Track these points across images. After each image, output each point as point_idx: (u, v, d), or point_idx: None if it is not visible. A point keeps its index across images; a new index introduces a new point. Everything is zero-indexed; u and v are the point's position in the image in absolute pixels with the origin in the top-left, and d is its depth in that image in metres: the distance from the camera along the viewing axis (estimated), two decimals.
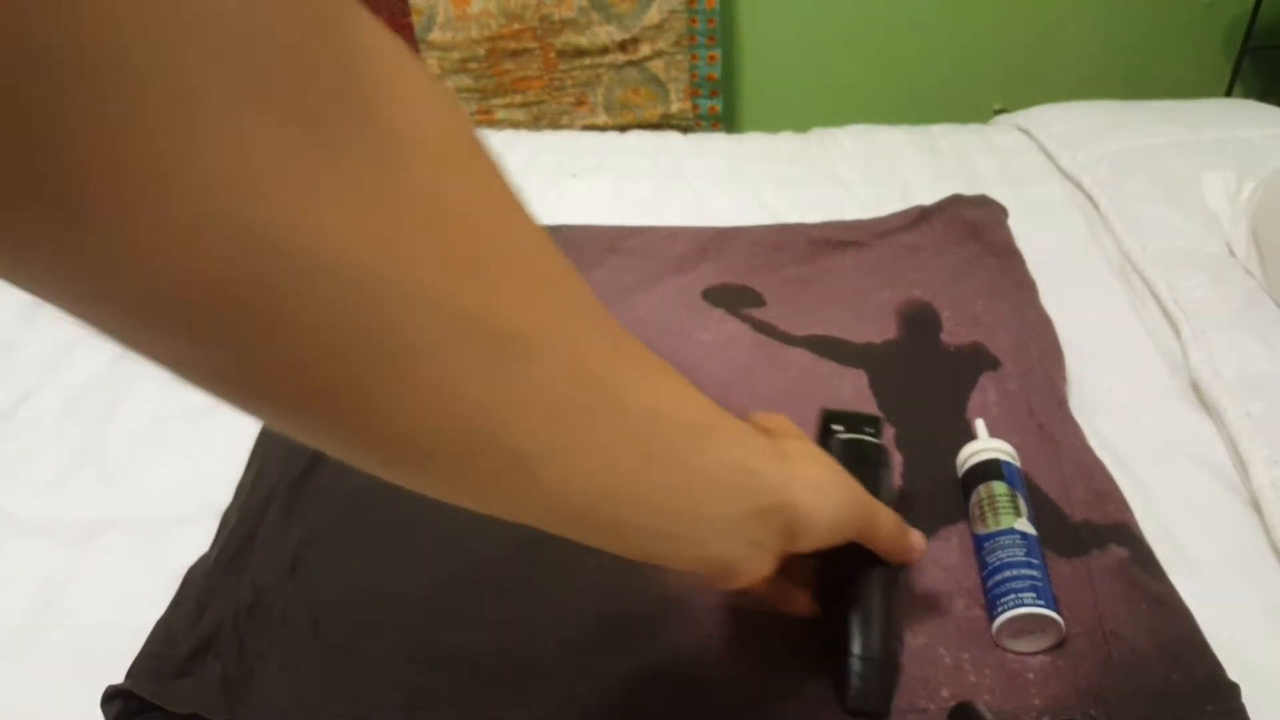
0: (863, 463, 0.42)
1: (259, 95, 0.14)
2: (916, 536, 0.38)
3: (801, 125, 0.98)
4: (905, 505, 0.47)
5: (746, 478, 0.28)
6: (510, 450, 0.21)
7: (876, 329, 0.63)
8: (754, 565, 0.30)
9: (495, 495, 0.23)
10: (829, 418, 0.46)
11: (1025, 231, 0.71)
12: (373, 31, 0.17)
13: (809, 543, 0.31)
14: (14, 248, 0.14)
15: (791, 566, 0.35)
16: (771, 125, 1.01)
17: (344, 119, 0.16)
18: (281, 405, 0.18)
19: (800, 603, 0.39)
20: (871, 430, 0.44)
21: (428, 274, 0.18)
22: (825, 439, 0.44)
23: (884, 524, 0.36)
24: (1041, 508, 0.48)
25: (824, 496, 0.31)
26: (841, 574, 0.40)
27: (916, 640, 0.42)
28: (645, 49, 1.40)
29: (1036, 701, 0.39)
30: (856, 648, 0.39)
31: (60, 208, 0.13)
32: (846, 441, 0.44)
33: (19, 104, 0.12)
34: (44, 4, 0.12)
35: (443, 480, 0.22)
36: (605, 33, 1.37)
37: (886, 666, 0.40)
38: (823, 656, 0.41)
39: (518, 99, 1.44)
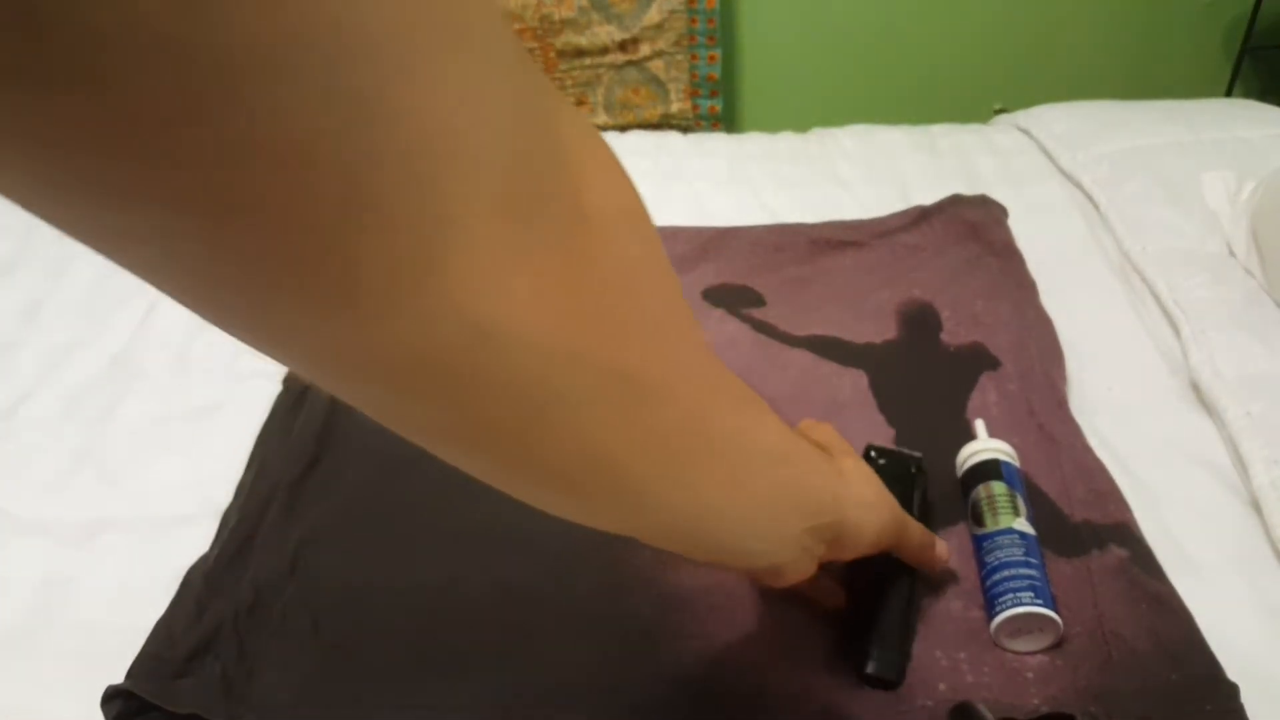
0: (901, 481, 0.47)
1: (499, 203, 0.16)
2: (942, 546, 0.43)
3: (801, 125, 0.98)
4: (927, 515, 0.48)
5: (811, 500, 0.31)
6: (627, 481, 0.23)
7: (877, 329, 0.63)
8: (802, 568, 0.34)
9: (607, 515, 0.26)
10: (873, 453, 0.50)
11: (1025, 231, 0.71)
12: (572, 120, 0.19)
13: (851, 552, 0.36)
14: (290, 328, 0.17)
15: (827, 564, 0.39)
16: (771, 125, 1.01)
17: (558, 213, 0.18)
18: (463, 446, 0.21)
19: (835, 596, 0.43)
20: (914, 466, 0.48)
21: (591, 339, 0.20)
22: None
23: (914, 537, 0.41)
24: (1041, 508, 0.48)
25: (871, 513, 0.35)
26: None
27: (914, 645, 0.42)
28: (645, 49, 1.40)
29: (1035, 701, 0.40)
30: (877, 618, 0.41)
31: (335, 298, 0.16)
32: (890, 455, 0.49)
33: (328, 221, 0.14)
34: (351, 152, 0.14)
35: (573, 504, 0.25)
36: (605, 33, 1.37)
37: (904, 638, 0.42)
38: (842, 630, 0.43)
39: None
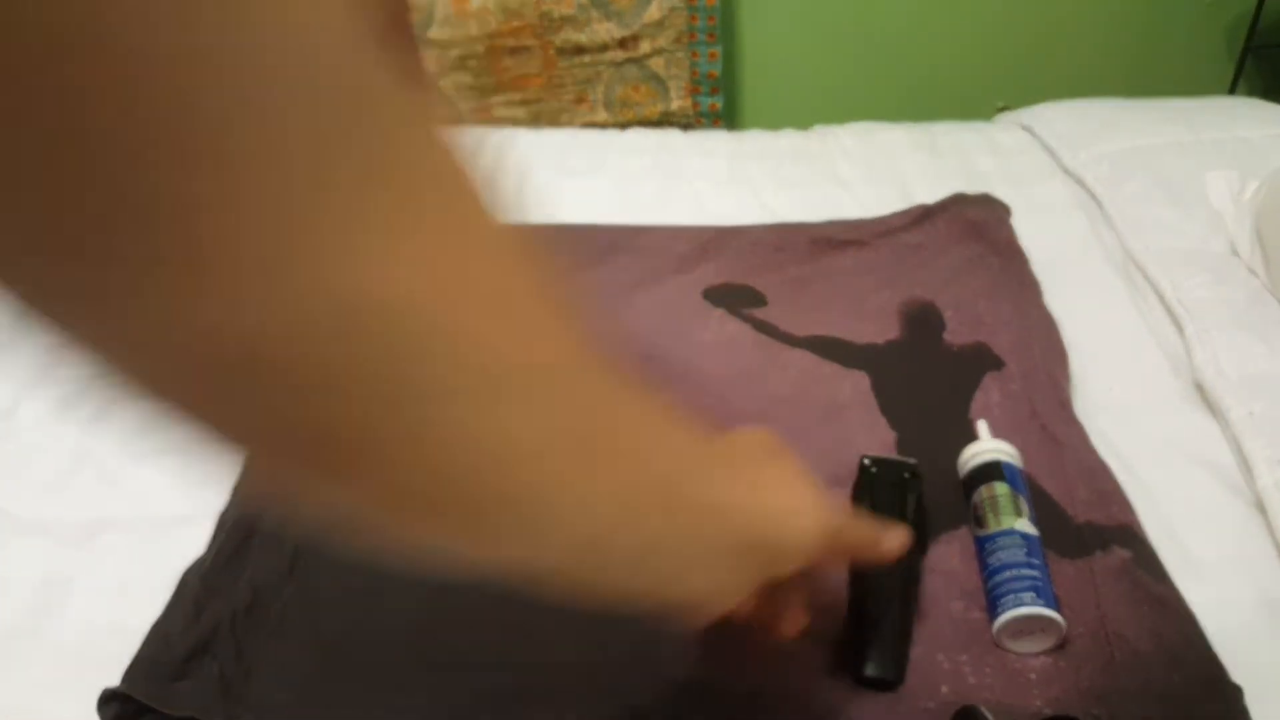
0: (894, 488, 0.46)
1: (366, 168, 0.15)
2: (892, 535, 0.38)
3: (802, 123, 0.97)
4: (921, 522, 0.47)
5: (724, 517, 0.28)
6: (518, 489, 0.21)
7: (878, 329, 0.62)
8: (731, 594, 0.30)
9: (489, 538, 0.23)
10: (866, 460, 0.49)
11: (1027, 230, 0.71)
12: (406, 79, 0.17)
13: (785, 569, 0.32)
14: (99, 304, 0.15)
15: (780, 590, 0.36)
16: (772, 123, 1.01)
17: (431, 185, 0.17)
18: (329, 465, 0.18)
19: (789, 624, 0.38)
20: (908, 472, 0.47)
21: (454, 314, 0.18)
22: (861, 476, 0.48)
23: (853, 537, 0.36)
24: (1045, 509, 0.48)
25: (797, 521, 0.31)
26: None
27: (916, 647, 0.42)
28: (645, 46, 1.39)
29: (1038, 702, 0.39)
30: (874, 618, 0.41)
31: (179, 261, 0.14)
32: (884, 463, 0.48)
33: (149, 186, 0.13)
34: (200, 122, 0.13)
35: (460, 527, 0.22)
36: (605, 30, 1.37)
37: (902, 640, 0.42)
38: (845, 631, 0.42)
39: (517, 97, 1.44)
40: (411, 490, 0.20)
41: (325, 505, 0.20)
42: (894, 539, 0.38)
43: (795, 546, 0.31)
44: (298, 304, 0.15)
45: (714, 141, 0.92)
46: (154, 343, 0.15)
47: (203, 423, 0.17)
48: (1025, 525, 0.44)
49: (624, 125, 1.37)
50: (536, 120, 1.47)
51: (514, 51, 1.39)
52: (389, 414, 0.17)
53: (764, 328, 0.63)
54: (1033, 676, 0.41)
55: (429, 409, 0.18)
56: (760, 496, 0.30)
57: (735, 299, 0.66)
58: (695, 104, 1.46)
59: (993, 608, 0.42)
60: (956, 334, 0.61)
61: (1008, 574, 0.42)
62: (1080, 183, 0.81)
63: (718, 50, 1.41)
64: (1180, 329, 0.62)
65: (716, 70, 1.43)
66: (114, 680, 0.40)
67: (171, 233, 0.14)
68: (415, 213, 0.17)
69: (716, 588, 0.29)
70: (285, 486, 0.20)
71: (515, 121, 1.46)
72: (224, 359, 0.15)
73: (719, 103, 1.47)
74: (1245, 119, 0.87)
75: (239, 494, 0.51)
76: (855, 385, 0.58)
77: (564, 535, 0.23)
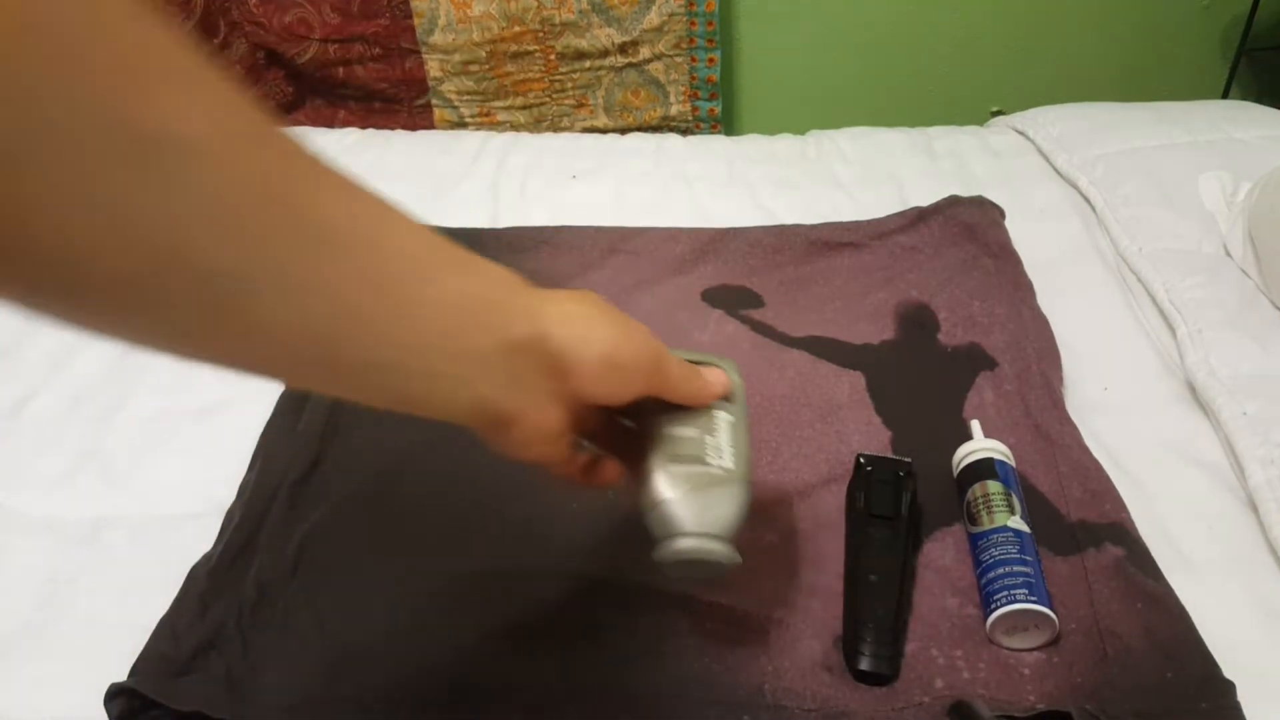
0: (890, 485, 0.47)
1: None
2: (713, 373, 0.36)
3: (800, 127, 0.98)
4: (916, 518, 0.48)
5: (487, 309, 0.27)
6: (201, 272, 0.20)
7: (874, 330, 0.63)
8: (529, 409, 0.29)
9: (209, 333, 0.22)
10: (861, 459, 0.50)
11: (1022, 232, 0.71)
12: None
13: (588, 383, 0.30)
14: None
15: (594, 432, 0.35)
16: (771, 127, 1.01)
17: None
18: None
19: (608, 472, 0.36)
20: (903, 470, 0.48)
21: (77, 69, 0.17)
22: (856, 474, 0.49)
23: (674, 371, 0.34)
24: (1038, 507, 0.48)
25: (588, 329, 0.30)
26: (859, 545, 0.45)
27: (910, 643, 0.42)
28: (645, 51, 1.40)
29: (1032, 698, 0.40)
30: (870, 612, 0.42)
31: None
32: (879, 461, 0.49)
33: None
34: None
35: (143, 316, 0.21)
36: (605, 35, 1.38)
37: (898, 633, 0.42)
38: (844, 626, 0.43)
39: (519, 101, 1.44)
40: (71, 273, 0.19)
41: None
42: (716, 375, 0.36)
43: (590, 356, 0.29)
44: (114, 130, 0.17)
45: (713, 145, 0.93)
46: None
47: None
48: (1018, 523, 0.45)
49: (624, 129, 1.38)
50: (538, 124, 1.47)
51: (515, 56, 1.40)
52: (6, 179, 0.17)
53: (761, 328, 0.64)
54: (1026, 672, 0.41)
55: (49, 176, 0.17)
56: (538, 300, 0.29)
57: (733, 300, 0.67)
58: (694, 109, 1.47)
59: (986, 604, 0.43)
60: (951, 334, 0.62)
61: (1001, 571, 0.43)
62: (1074, 185, 0.82)
63: (717, 56, 1.42)
64: (1173, 330, 0.63)
65: (715, 75, 1.44)
66: (120, 676, 0.41)
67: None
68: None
69: (507, 396, 0.28)
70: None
71: (517, 125, 1.47)
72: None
73: (718, 107, 1.47)
74: (1239, 122, 0.87)
75: (245, 491, 0.52)
76: (851, 385, 0.58)
77: (274, 328, 0.22)
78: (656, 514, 0.35)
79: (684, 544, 0.34)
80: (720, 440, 0.36)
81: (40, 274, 0.19)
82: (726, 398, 0.37)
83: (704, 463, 0.35)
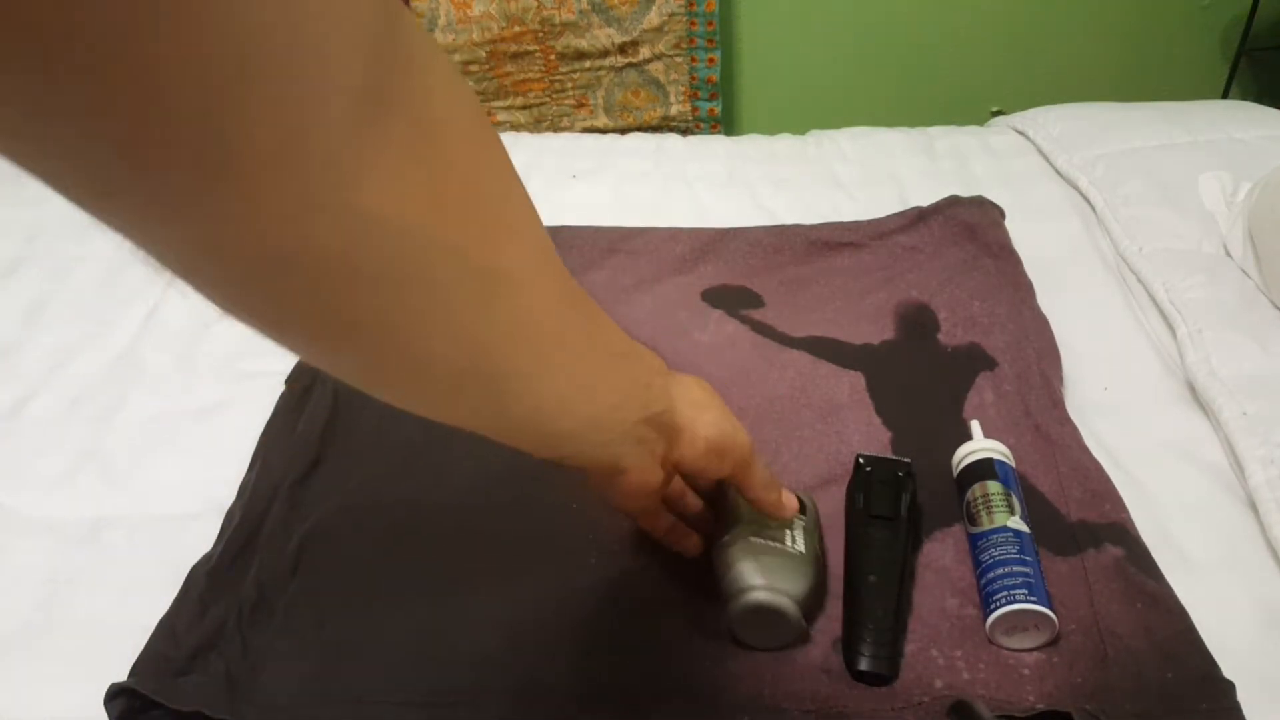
0: (889, 485, 0.47)
1: (359, 92, 0.18)
2: (789, 497, 0.43)
3: (800, 127, 0.98)
4: (916, 519, 0.48)
5: (643, 390, 0.34)
6: (493, 371, 0.26)
7: (874, 330, 0.63)
8: (640, 465, 0.36)
9: (471, 408, 0.28)
10: (861, 459, 0.50)
11: (1022, 232, 0.71)
12: (417, 32, 0.21)
13: (690, 454, 0.37)
14: (170, 209, 0.17)
15: (684, 508, 0.43)
16: (770, 127, 1.02)
17: (412, 111, 0.20)
18: (333, 342, 0.23)
19: (692, 542, 0.44)
20: (902, 470, 0.49)
21: (456, 232, 0.22)
22: (856, 474, 0.50)
23: (758, 470, 0.41)
24: (1038, 507, 0.48)
25: (703, 411, 0.37)
26: (858, 546, 0.45)
27: (910, 643, 0.42)
28: (645, 51, 1.40)
29: (1031, 698, 0.40)
30: (869, 613, 0.42)
31: (211, 170, 0.17)
32: (879, 461, 0.49)
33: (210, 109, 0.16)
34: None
35: (442, 397, 0.27)
36: (605, 35, 1.38)
37: (897, 633, 0.42)
38: (844, 626, 0.43)
39: (519, 101, 1.44)
40: (410, 362, 0.24)
41: (343, 373, 0.24)
42: (791, 500, 0.43)
43: (700, 433, 0.37)
44: (325, 216, 0.19)
45: (713, 145, 0.93)
46: (213, 244, 0.18)
47: (246, 310, 0.21)
48: (1018, 523, 0.45)
49: (624, 130, 1.38)
50: (538, 124, 1.47)
51: (515, 57, 1.40)
52: (393, 302, 0.22)
53: (761, 328, 0.64)
54: (1026, 672, 0.41)
55: (423, 302, 0.22)
56: (675, 382, 0.37)
57: (733, 300, 0.67)
58: (694, 109, 1.47)
59: (986, 604, 0.43)
60: (951, 335, 0.62)
61: (1001, 571, 0.43)
62: (1074, 185, 0.82)
63: (716, 56, 1.42)
64: (1173, 330, 0.63)
65: (715, 75, 1.44)
66: (120, 676, 0.41)
67: (227, 149, 0.16)
68: (425, 147, 0.21)
69: (629, 453, 0.35)
70: (313, 359, 0.24)
71: (517, 126, 1.47)
72: (266, 256, 0.19)
73: (718, 107, 1.47)
74: (1239, 122, 0.87)
75: (245, 492, 0.52)
76: (851, 385, 0.58)
77: (526, 406, 0.28)
78: (734, 573, 0.41)
79: (757, 596, 0.40)
80: (795, 533, 0.43)
81: (388, 367, 0.24)
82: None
83: (780, 543, 0.42)
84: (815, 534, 0.44)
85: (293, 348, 0.23)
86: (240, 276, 0.20)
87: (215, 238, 0.18)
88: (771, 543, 0.42)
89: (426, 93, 0.21)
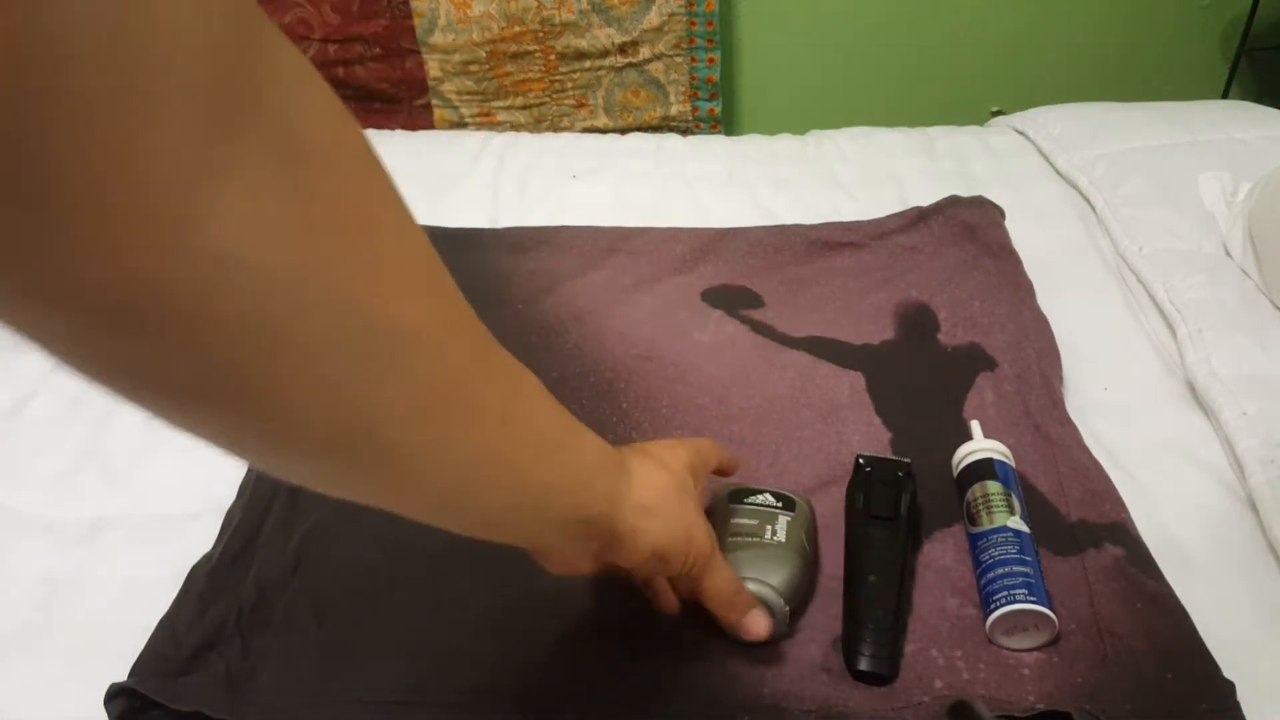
0: (889, 486, 0.47)
1: (202, 105, 0.16)
2: (756, 619, 0.40)
3: (800, 127, 0.98)
4: (916, 519, 0.48)
5: (583, 489, 0.31)
6: (386, 444, 0.22)
7: (874, 330, 0.63)
8: (572, 559, 0.35)
9: (378, 487, 0.25)
10: (861, 460, 0.50)
11: (1022, 232, 0.71)
12: (281, 40, 0.18)
13: (629, 558, 0.34)
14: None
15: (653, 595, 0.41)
16: (770, 127, 1.02)
17: (270, 134, 0.17)
18: (194, 401, 0.20)
19: (669, 602, 0.42)
20: (902, 470, 0.49)
21: (326, 276, 0.19)
22: (856, 474, 0.49)
23: (719, 579, 0.38)
24: (1038, 507, 0.48)
25: (650, 519, 0.34)
26: (858, 546, 0.45)
27: (910, 643, 0.42)
28: (645, 51, 1.40)
29: (1031, 698, 0.40)
30: (869, 613, 0.42)
31: (36, 200, 0.14)
32: (878, 461, 0.49)
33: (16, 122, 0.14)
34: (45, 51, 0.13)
35: (331, 472, 0.23)
36: (605, 35, 1.38)
37: (897, 633, 0.42)
38: (843, 626, 0.43)
39: (519, 101, 1.44)
40: (282, 433, 0.21)
41: (207, 437, 0.21)
42: (758, 623, 0.40)
43: (643, 542, 0.34)
44: (169, 255, 0.16)
45: (713, 145, 0.93)
46: (40, 293, 0.16)
47: (92, 366, 0.19)
48: (1017, 523, 0.45)
49: (624, 130, 1.38)
50: (538, 124, 1.47)
51: (515, 57, 1.40)
52: (260, 361, 0.19)
53: (761, 328, 0.64)
54: (1026, 672, 0.41)
55: (295, 361, 0.19)
56: (624, 484, 0.33)
57: (733, 300, 0.67)
58: (694, 109, 1.47)
59: (986, 604, 0.43)
60: (951, 335, 0.62)
61: (1001, 571, 0.43)
62: (1074, 185, 0.82)
63: (716, 56, 1.42)
64: (1173, 330, 0.63)
65: (715, 75, 1.44)
66: (121, 676, 0.41)
67: (42, 165, 0.14)
68: (288, 177, 0.18)
69: (561, 548, 0.33)
70: (170, 420, 0.21)
71: (517, 125, 1.47)
72: (109, 305, 0.16)
73: (718, 107, 1.47)
74: (1239, 121, 0.87)
75: (245, 492, 0.52)
76: (851, 385, 0.58)
77: (426, 488, 0.25)
78: None
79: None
80: (776, 526, 0.44)
81: (258, 427, 0.21)
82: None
83: (760, 536, 0.43)
84: (802, 528, 0.45)
85: (149, 409, 0.20)
86: (79, 331, 0.17)
87: (41, 285, 0.15)
88: (749, 538, 0.43)
89: (295, 113, 0.18)
